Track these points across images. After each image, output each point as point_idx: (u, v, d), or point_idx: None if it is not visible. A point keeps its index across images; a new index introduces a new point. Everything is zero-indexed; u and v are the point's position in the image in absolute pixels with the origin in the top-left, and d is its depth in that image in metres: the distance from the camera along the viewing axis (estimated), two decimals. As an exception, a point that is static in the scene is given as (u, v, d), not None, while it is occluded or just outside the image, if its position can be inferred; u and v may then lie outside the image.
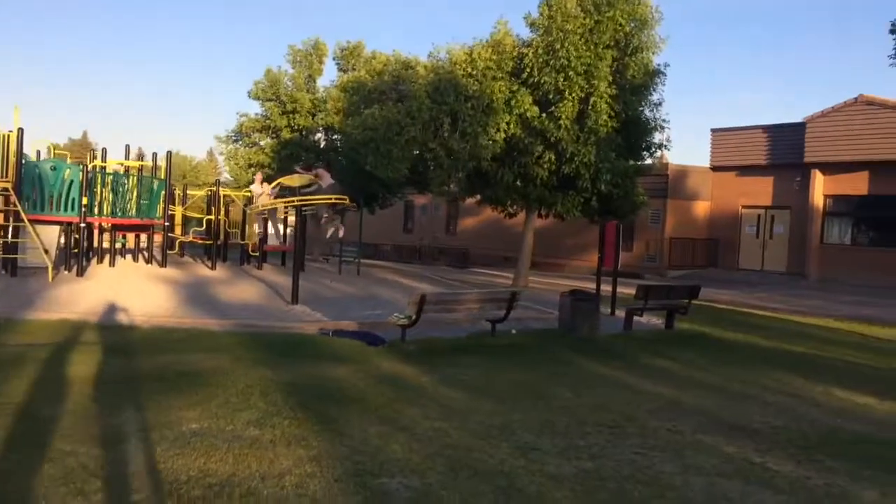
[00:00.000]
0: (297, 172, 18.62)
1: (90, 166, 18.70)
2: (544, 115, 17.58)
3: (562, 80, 17.35)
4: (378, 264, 28.64)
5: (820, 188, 24.42)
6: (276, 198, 17.77)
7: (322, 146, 27.77)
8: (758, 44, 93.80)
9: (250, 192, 19.48)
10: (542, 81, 17.53)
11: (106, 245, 19.61)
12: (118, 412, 5.62)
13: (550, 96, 17.65)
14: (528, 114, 17.61)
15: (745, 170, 26.37)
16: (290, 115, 26.31)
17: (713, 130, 27.29)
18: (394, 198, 26.71)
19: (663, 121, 19.07)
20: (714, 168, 27.32)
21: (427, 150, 17.91)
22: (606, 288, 14.45)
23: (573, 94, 17.28)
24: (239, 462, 4.59)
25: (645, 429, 6.17)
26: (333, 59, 27.16)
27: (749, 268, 26.27)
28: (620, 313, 12.89)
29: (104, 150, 19.62)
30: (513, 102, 17.59)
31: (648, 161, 20.17)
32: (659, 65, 18.93)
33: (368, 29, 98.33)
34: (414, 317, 9.29)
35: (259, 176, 20.01)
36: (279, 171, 24.52)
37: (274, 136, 27.04)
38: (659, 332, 12.16)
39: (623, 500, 4.41)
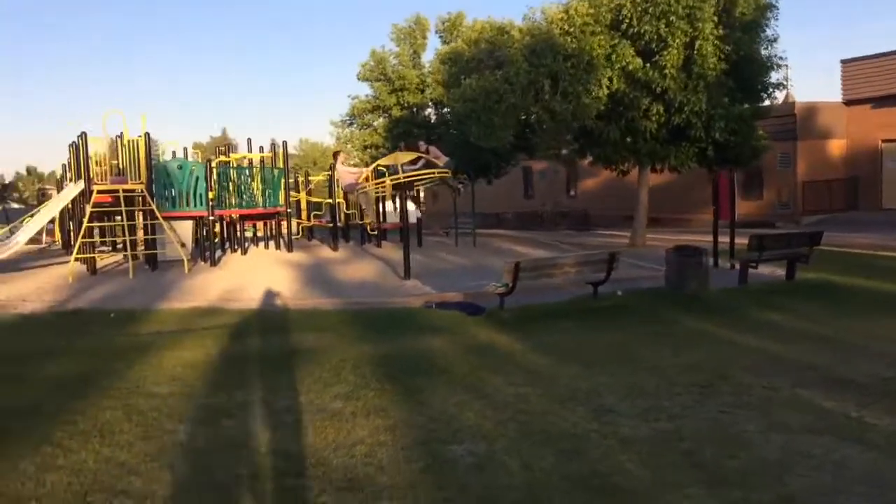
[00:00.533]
0: (401, 150, 18.91)
1: (214, 162, 19.96)
2: (648, 65, 16.95)
3: (663, 26, 16.65)
4: (498, 233, 28.73)
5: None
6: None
7: (433, 121, 28.09)
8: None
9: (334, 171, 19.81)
10: (642, 31, 16.89)
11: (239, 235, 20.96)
12: (222, 391, 6.05)
13: (653, 45, 16.99)
14: (631, 66, 17.04)
15: (882, 101, 24.33)
16: (399, 93, 26.74)
17: (843, 62, 25.34)
18: (508, 166, 26.63)
19: (779, 58, 17.93)
20: (847, 102, 25.39)
21: (530, 115, 17.73)
22: (726, 240, 13.93)
23: (677, 41, 16.56)
24: (318, 434, 4.86)
25: (739, 386, 5.96)
26: (436, 32, 27.31)
27: (894, 207, 24.34)
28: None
29: (227, 146, 20.82)
30: (613, 57, 17.07)
31: (767, 103, 18.99)
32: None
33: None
34: (511, 284, 9.34)
35: (342, 155, 20.36)
36: (393, 149, 25.09)
37: (385, 115, 27.60)
38: (778, 284, 11.60)
39: (691, 461, 4.32)
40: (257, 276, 14.57)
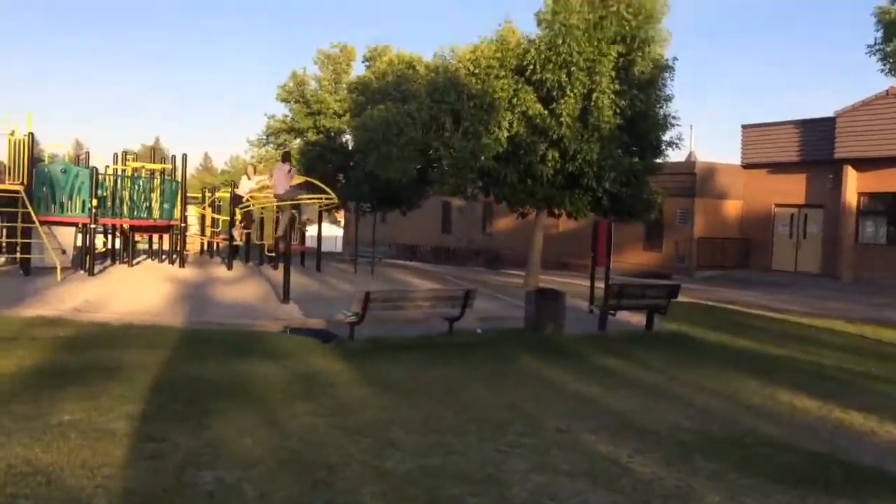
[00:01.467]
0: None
1: (110, 169, 19.46)
2: (546, 112, 17.38)
3: (564, 76, 17.14)
4: (406, 264, 28.80)
5: (854, 185, 23.41)
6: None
7: (351, 147, 28.13)
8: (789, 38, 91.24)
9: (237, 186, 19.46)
10: (544, 78, 17.34)
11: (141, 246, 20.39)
12: (5, 404, 5.81)
13: (554, 93, 17.45)
14: (531, 111, 17.44)
15: (777, 167, 25.49)
16: (316, 117, 26.73)
17: (744, 126, 26.49)
18: (419, 199, 26.79)
19: (673, 117, 18.62)
20: (745, 165, 26.49)
21: (431, 150, 17.92)
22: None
23: (575, 91, 17.04)
24: (71, 453, 4.69)
25: (533, 428, 6.06)
26: (363, 61, 27.52)
27: (782, 269, 25.38)
28: (621, 315, 12.63)
29: (124, 154, 20.33)
30: (514, 101, 17.46)
31: (662, 159, 19.65)
32: (668, 59, 18.53)
33: (400, 32, 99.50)
34: (360, 314, 9.33)
35: (251, 168, 20.12)
36: (307, 171, 24.93)
37: (301, 137, 27.52)
38: (636, 333, 11.89)
39: (429, 497, 4.35)
40: (129, 289, 14.19)
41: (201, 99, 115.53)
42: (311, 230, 20.85)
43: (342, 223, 50.44)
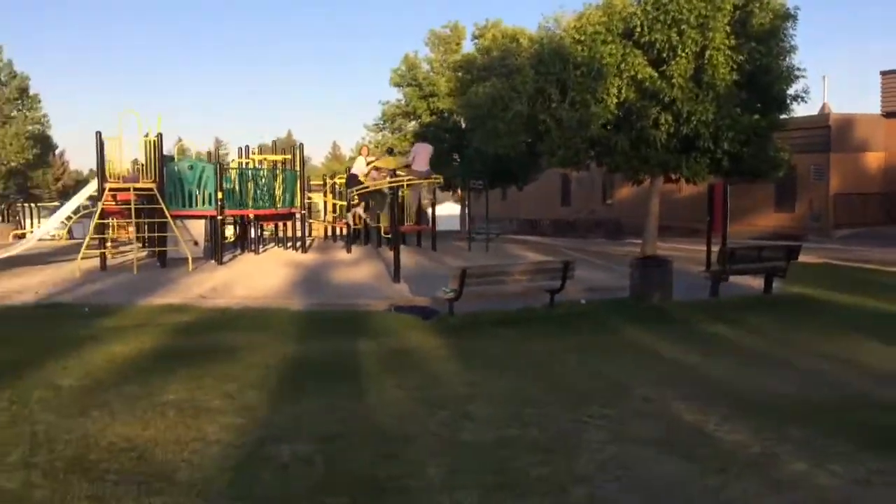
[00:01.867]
0: (393, 155, 19.02)
1: (234, 163, 20.53)
2: (657, 74, 16.71)
3: (675, 35, 16.39)
4: (525, 239, 28.68)
5: None
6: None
7: (465, 127, 28.23)
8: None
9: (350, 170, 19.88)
10: (653, 40, 16.65)
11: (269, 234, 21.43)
12: (118, 386, 6.27)
13: (664, 55, 16.74)
14: (641, 75, 16.82)
15: (923, 113, 23.40)
16: (429, 99, 26.93)
17: (883, 73, 24.43)
18: (534, 174, 26.55)
19: (798, 69, 17.39)
20: (887, 114, 24.44)
21: (538, 123, 17.68)
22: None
23: (687, 50, 16.27)
24: (168, 430, 5.02)
25: (619, 398, 5.93)
26: (472, 39, 27.43)
27: (932, 222, 23.36)
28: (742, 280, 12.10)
29: (246, 147, 21.34)
30: (622, 66, 16.88)
31: (787, 115, 18.41)
32: (790, 8, 17.30)
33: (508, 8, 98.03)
34: (458, 290, 9.41)
35: (365, 148, 20.49)
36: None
37: (416, 120, 27.85)
38: (752, 298, 11.33)
39: (501, 467, 4.34)
40: (252, 275, 14.94)
41: (327, 89, 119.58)
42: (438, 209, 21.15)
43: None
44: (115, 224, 19.50)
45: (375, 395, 5.99)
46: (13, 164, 48.91)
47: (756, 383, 6.40)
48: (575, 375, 6.73)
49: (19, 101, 50.92)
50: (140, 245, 18.12)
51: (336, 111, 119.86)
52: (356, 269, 16.42)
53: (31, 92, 52.29)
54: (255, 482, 4.13)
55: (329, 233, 23.13)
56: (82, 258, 15.36)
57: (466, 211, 30.71)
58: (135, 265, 15.54)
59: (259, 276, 14.86)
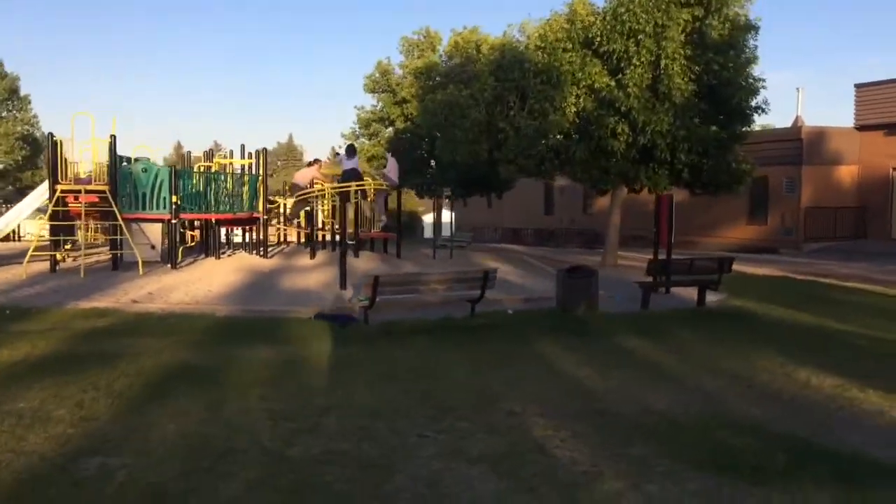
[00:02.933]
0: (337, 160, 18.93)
1: (197, 167, 20.43)
2: (613, 83, 16.63)
3: (631, 45, 16.33)
4: (500, 248, 28.55)
5: (984, 142, 21.00)
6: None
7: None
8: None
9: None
10: (610, 49, 16.59)
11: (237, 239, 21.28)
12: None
13: (622, 64, 16.67)
14: (597, 84, 16.75)
15: (895, 127, 23.22)
16: (403, 105, 26.86)
17: (857, 86, 24.29)
18: (510, 183, 26.43)
19: (756, 79, 17.27)
20: (860, 128, 24.31)
21: (497, 131, 17.59)
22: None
23: (643, 59, 16.20)
24: (-9, 437, 4.91)
25: (481, 412, 5.79)
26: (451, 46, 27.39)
27: (904, 237, 23.20)
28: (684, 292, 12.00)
29: (210, 151, 21.27)
30: (580, 74, 16.80)
31: (748, 127, 18.29)
32: (751, 19, 17.22)
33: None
34: (371, 298, 9.27)
35: (318, 162, 20.50)
36: (399, 159, 25.20)
37: (390, 126, 27.78)
38: (683, 310, 11.17)
39: (299, 486, 4.22)
40: (200, 281, 14.79)
41: (329, 96, 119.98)
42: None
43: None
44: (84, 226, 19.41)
45: (232, 406, 5.85)
46: (2, 165, 48.90)
47: (634, 398, 6.26)
48: (453, 387, 6.59)
49: (9, 102, 50.95)
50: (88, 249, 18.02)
51: (336, 115, 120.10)
52: (310, 274, 16.27)
53: (22, 93, 52.43)
54: (41, 498, 4.00)
55: (302, 238, 23.03)
56: (28, 262, 15.21)
57: (441, 218, 30.67)
58: (82, 268, 15.42)
59: (204, 282, 14.72)
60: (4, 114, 49.53)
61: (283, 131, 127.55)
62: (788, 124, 25.21)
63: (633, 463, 4.61)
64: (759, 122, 19.17)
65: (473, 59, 17.89)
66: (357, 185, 16.42)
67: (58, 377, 6.56)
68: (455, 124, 17.17)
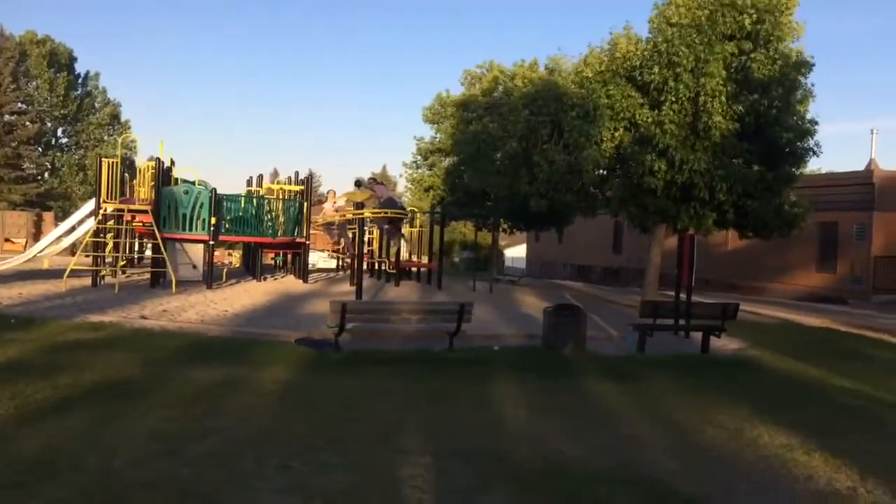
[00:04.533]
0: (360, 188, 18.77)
1: (245, 191, 21.02)
2: (650, 118, 16.14)
3: (670, 76, 15.84)
4: (558, 283, 28.03)
5: None
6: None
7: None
8: None
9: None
10: (650, 79, 16.13)
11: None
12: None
13: (661, 97, 16.17)
14: (638, 118, 16.29)
15: (980, 173, 21.54)
16: (459, 137, 26.90)
17: (938, 128, 22.68)
18: (561, 219, 25.95)
19: (809, 121, 16.39)
20: (941, 173, 22.70)
21: (532, 164, 17.34)
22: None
23: (680, 95, 15.67)
24: None
25: (368, 447, 5.56)
26: (512, 78, 27.32)
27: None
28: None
29: (260, 177, 21.85)
30: (616, 107, 16.40)
31: (798, 169, 17.36)
32: (804, 55, 16.41)
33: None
34: (339, 325, 9.17)
35: (332, 193, 20.68)
36: (455, 190, 25.12)
37: (448, 157, 27.85)
38: (684, 356, 10.54)
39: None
40: (225, 301, 15.10)
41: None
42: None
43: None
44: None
45: (121, 424, 5.81)
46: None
47: (548, 444, 5.89)
48: (367, 420, 6.37)
49: (110, 127, 54.07)
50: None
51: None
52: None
53: (122, 118, 55.60)
54: None
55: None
56: (67, 276, 15.89)
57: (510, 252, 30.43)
58: (117, 284, 16.00)
59: (227, 303, 15.00)
60: (106, 138, 52.66)
61: (378, 162, 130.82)
62: (860, 167, 23.79)
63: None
64: (832, 165, 18.15)
65: (510, 92, 17.74)
66: (393, 213, 16.43)
67: (31, 387, 6.74)
68: (486, 155, 17.02)
